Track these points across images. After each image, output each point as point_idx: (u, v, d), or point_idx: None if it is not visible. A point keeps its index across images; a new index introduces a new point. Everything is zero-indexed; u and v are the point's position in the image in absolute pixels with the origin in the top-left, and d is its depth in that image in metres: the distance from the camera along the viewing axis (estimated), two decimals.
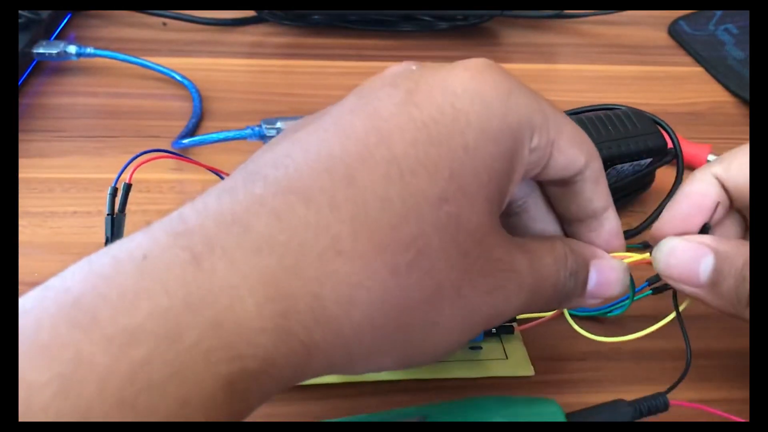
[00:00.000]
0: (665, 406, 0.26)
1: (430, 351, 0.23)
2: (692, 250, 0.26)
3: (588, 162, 0.25)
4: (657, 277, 0.32)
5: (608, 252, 0.27)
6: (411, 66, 0.24)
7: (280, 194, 0.20)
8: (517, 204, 0.27)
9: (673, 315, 0.27)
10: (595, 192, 0.26)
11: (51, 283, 0.19)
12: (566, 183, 0.26)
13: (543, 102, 0.24)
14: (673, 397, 0.27)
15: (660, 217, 0.28)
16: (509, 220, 0.28)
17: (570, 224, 0.28)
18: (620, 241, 0.27)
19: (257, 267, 0.19)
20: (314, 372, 0.20)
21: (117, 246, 0.19)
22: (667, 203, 0.28)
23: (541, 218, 0.28)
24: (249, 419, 0.28)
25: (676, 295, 0.28)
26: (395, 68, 0.24)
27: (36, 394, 0.16)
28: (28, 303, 0.18)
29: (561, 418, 0.25)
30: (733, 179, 0.27)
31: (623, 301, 0.32)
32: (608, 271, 0.26)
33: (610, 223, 0.27)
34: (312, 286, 0.19)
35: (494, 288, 0.23)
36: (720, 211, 0.27)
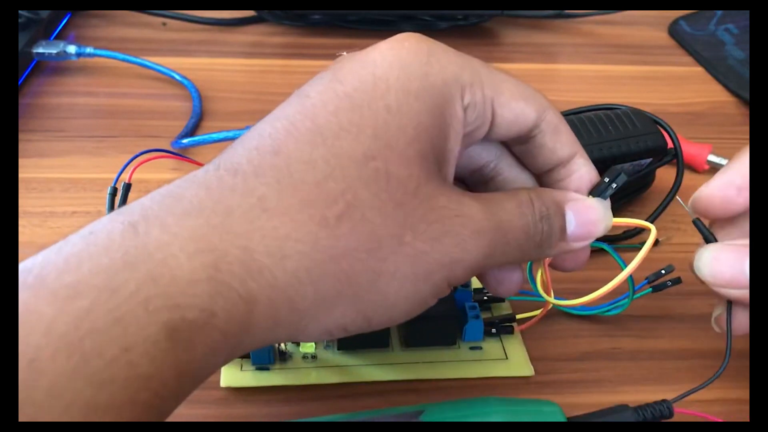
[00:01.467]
0: (669, 413, 0.26)
1: (384, 302, 0.23)
2: (734, 252, 0.26)
3: (540, 113, 0.26)
4: (656, 275, 0.32)
5: None
6: (343, 54, 0.25)
7: (212, 171, 0.22)
8: (489, 168, 0.28)
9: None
10: (557, 141, 0.26)
11: None
12: (527, 139, 0.26)
13: (473, 62, 0.25)
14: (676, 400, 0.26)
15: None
16: (486, 185, 0.28)
17: (542, 178, 0.28)
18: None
19: (186, 227, 0.20)
20: (262, 328, 0.21)
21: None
22: (668, 202, 0.28)
23: (515, 178, 0.28)
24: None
25: (731, 307, 0.27)
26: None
27: None
28: None
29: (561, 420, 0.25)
30: None
31: (622, 299, 0.32)
32: (586, 210, 0.26)
33: (580, 170, 0.27)
34: (240, 240, 0.20)
35: (442, 234, 0.23)
36: None
